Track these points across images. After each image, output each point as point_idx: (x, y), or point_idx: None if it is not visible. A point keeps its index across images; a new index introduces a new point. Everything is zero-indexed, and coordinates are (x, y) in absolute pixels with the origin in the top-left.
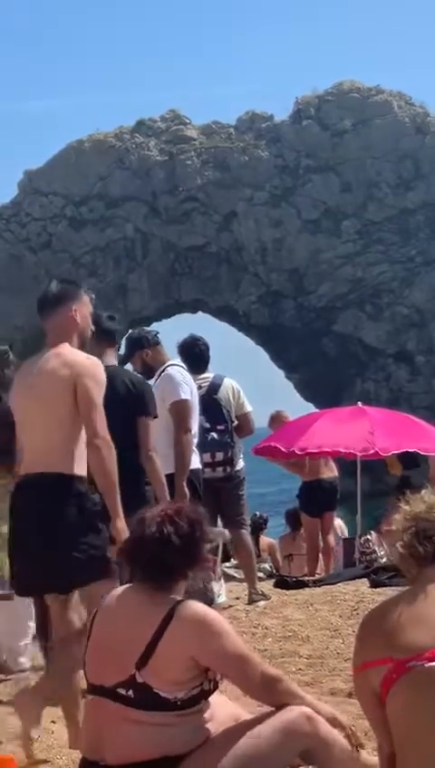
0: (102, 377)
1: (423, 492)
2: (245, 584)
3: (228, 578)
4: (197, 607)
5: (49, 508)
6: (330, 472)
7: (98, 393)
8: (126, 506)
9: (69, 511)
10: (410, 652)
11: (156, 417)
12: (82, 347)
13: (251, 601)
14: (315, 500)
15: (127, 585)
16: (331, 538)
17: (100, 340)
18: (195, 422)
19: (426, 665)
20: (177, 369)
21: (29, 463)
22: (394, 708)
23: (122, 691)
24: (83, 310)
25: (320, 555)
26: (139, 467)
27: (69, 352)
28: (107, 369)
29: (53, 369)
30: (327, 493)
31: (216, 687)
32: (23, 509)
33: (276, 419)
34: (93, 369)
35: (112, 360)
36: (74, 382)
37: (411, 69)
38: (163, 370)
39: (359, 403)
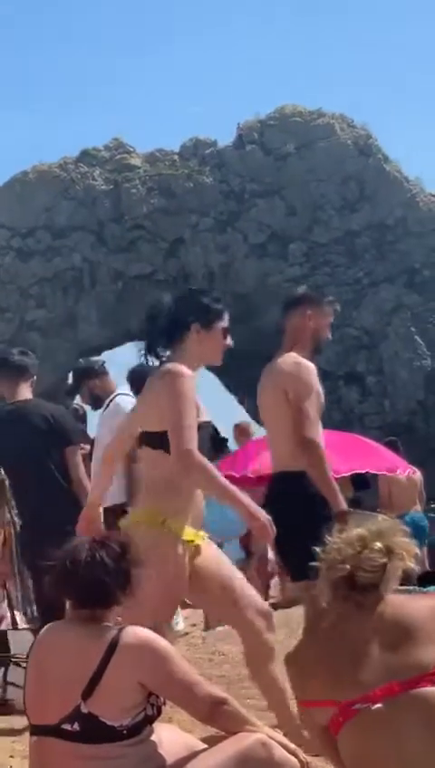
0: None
1: (359, 521)
2: (201, 610)
3: (185, 605)
4: (140, 632)
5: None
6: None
7: (305, 397)
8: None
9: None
10: (354, 694)
11: (84, 444)
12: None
13: (208, 627)
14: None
15: (59, 621)
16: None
17: (11, 375)
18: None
19: (373, 707)
20: (125, 398)
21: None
22: (345, 750)
23: (67, 726)
24: (320, 319)
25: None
26: (66, 499)
27: (285, 359)
28: (23, 403)
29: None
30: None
31: (159, 713)
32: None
33: (242, 430)
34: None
35: (27, 393)
36: (284, 389)
37: (352, 91)
38: (111, 400)
39: None
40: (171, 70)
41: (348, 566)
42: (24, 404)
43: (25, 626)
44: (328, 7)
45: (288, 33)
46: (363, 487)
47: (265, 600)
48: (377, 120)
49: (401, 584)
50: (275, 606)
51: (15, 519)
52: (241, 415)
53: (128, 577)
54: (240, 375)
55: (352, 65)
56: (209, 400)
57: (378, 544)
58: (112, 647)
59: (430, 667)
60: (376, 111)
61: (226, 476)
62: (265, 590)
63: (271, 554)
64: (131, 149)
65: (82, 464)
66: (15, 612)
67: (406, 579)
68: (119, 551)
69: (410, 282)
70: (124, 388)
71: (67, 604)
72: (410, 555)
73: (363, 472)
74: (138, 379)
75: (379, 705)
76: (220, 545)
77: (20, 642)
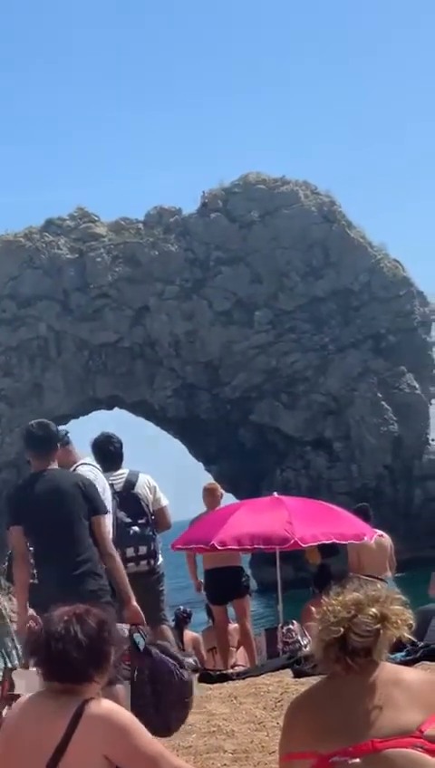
0: None
1: (348, 588)
2: None
3: None
4: (105, 704)
5: None
6: (230, 559)
7: None
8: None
9: None
10: (333, 747)
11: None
12: None
13: None
14: (217, 588)
15: (30, 695)
16: (247, 624)
17: (38, 446)
18: (109, 521)
19: (349, 761)
20: (88, 468)
21: None
22: None
23: None
24: None
25: (242, 645)
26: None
27: None
28: (52, 472)
29: None
30: (228, 579)
31: None
32: None
33: (210, 492)
34: None
35: (54, 464)
36: None
37: (315, 159)
38: (74, 470)
39: (275, 493)
40: (134, 139)
41: (341, 629)
42: (55, 472)
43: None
44: (291, 77)
45: (252, 101)
46: (331, 554)
47: (231, 667)
48: (340, 186)
49: (392, 652)
50: (242, 674)
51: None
52: (207, 478)
53: (101, 655)
54: (205, 441)
55: (316, 132)
56: (176, 466)
57: (373, 610)
58: (76, 718)
59: (413, 730)
60: (339, 178)
61: (195, 548)
62: (226, 658)
63: (233, 625)
64: (96, 218)
65: (110, 534)
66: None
67: (398, 646)
68: (95, 627)
69: (376, 347)
70: (90, 457)
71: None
72: (405, 624)
73: (329, 543)
74: (102, 447)
75: (356, 761)
76: (189, 615)
77: (31, 684)
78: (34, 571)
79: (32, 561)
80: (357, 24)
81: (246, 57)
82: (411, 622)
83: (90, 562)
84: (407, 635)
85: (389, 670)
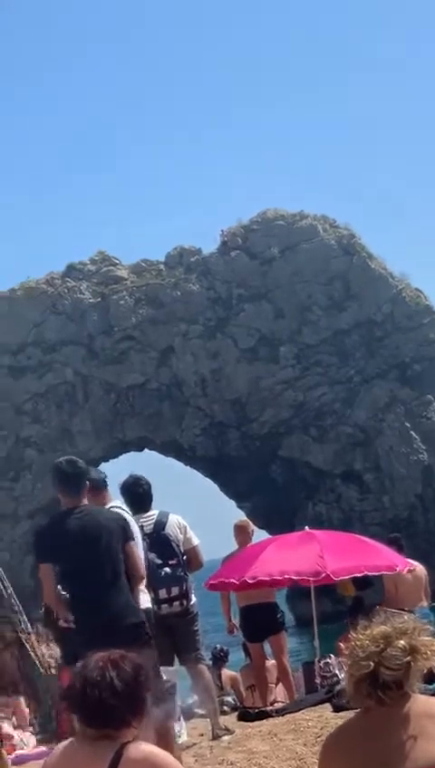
0: None
1: (375, 621)
2: (208, 720)
3: (190, 715)
4: (144, 747)
5: None
6: (264, 596)
7: None
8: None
9: None
10: None
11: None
12: None
13: (215, 737)
14: (253, 625)
15: (68, 740)
16: (285, 660)
17: (70, 484)
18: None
19: None
20: (118, 510)
21: None
22: None
23: None
24: None
25: (281, 681)
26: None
27: None
28: (88, 508)
29: None
30: (263, 616)
31: None
32: None
33: (241, 529)
34: None
35: (86, 500)
36: None
37: (333, 192)
38: None
39: (306, 527)
40: (151, 181)
41: (371, 663)
42: (90, 508)
43: (34, 743)
44: (307, 113)
45: (267, 138)
46: (366, 586)
47: (271, 704)
48: (359, 218)
49: (429, 682)
50: (281, 710)
51: (25, 634)
52: (239, 516)
53: (137, 701)
54: (236, 478)
55: (333, 167)
56: (207, 504)
57: (401, 642)
58: (115, 762)
59: None
60: (358, 210)
61: (225, 583)
62: (265, 695)
63: (271, 661)
64: (117, 261)
65: (141, 560)
66: (23, 732)
67: (430, 677)
68: (131, 673)
69: (402, 376)
70: (119, 500)
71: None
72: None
73: (360, 576)
74: (131, 490)
75: None
76: (226, 653)
77: None
78: (71, 617)
79: (66, 599)
80: (376, 55)
81: (258, 97)
82: None
83: (130, 598)
84: None
85: (422, 702)
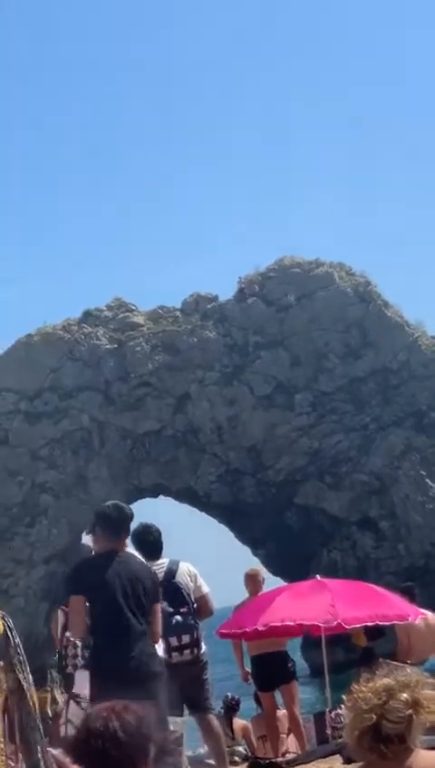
0: None
1: (378, 674)
2: None
3: (200, 765)
4: None
5: None
6: (275, 645)
7: None
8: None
9: None
10: None
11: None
12: None
13: None
14: (264, 674)
15: None
16: (296, 710)
17: (112, 529)
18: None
19: None
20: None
21: None
22: None
23: None
24: None
25: (292, 732)
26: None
27: None
28: (126, 555)
29: None
30: (274, 665)
31: None
32: None
33: (252, 577)
34: None
35: (125, 546)
36: None
37: (349, 239)
38: None
39: (317, 576)
40: (169, 228)
41: (374, 715)
42: (131, 557)
43: None
44: (319, 160)
45: (282, 185)
46: (378, 636)
47: (282, 755)
48: (375, 266)
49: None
50: (292, 762)
51: (27, 683)
52: (254, 563)
53: (141, 752)
54: (251, 525)
55: (348, 214)
56: (222, 552)
57: (404, 695)
58: None
59: None
60: (374, 258)
61: (240, 634)
62: (276, 746)
63: (282, 711)
64: (133, 308)
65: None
66: None
67: (432, 731)
68: (134, 724)
69: (418, 424)
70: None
71: None
72: None
73: (372, 625)
74: (141, 538)
75: None
76: (238, 702)
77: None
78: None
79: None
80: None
81: (270, 145)
82: None
83: (151, 646)
84: None
85: (424, 757)
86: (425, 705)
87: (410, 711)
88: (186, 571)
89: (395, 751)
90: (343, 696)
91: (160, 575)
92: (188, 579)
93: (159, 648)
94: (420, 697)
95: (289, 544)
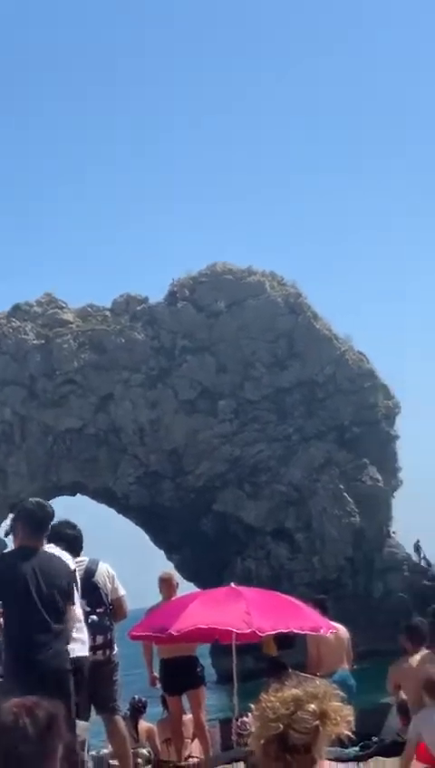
0: None
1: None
2: None
3: (104, 766)
4: None
5: None
6: (186, 649)
7: None
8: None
9: None
10: None
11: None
12: None
13: None
14: (173, 678)
15: None
16: (202, 715)
17: (33, 525)
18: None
19: None
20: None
21: None
22: None
23: None
24: None
25: (197, 737)
26: None
27: None
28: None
29: None
30: (183, 669)
31: None
32: None
33: (166, 581)
34: None
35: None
36: None
37: (282, 249)
38: None
39: (232, 584)
40: (103, 226)
41: (281, 725)
42: (49, 554)
43: None
44: (259, 166)
45: (219, 189)
46: (288, 646)
47: (185, 759)
48: (306, 277)
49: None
50: (196, 766)
51: None
52: (168, 567)
53: (49, 749)
54: (167, 529)
55: (283, 223)
56: (136, 554)
57: (312, 707)
58: None
59: None
60: (305, 269)
61: (152, 637)
62: (180, 750)
63: (188, 716)
64: (63, 305)
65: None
66: None
67: (337, 743)
68: (45, 721)
69: (340, 438)
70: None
71: None
72: (344, 720)
73: (287, 631)
74: (59, 536)
75: None
76: (144, 705)
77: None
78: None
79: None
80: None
81: (216, 150)
82: (351, 719)
83: (64, 644)
84: (346, 732)
85: None
86: (332, 717)
87: (317, 722)
88: (105, 572)
89: (300, 761)
90: (251, 705)
91: (80, 573)
92: (107, 579)
93: (77, 647)
94: (328, 709)
95: (204, 551)
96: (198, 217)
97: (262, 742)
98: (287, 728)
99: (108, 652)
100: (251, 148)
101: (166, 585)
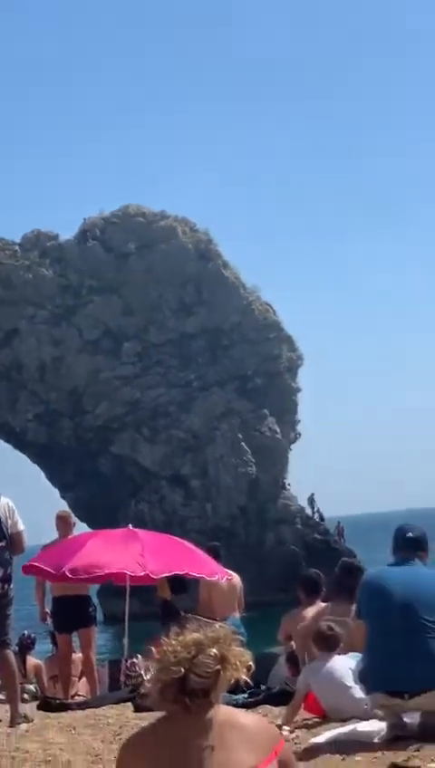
0: None
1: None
2: (7, 706)
3: None
4: None
5: None
6: (78, 588)
7: None
8: None
9: None
10: None
11: None
12: None
13: (13, 724)
14: (64, 616)
15: None
16: (91, 654)
17: None
18: None
19: None
20: None
21: None
22: None
23: None
24: None
25: (85, 675)
26: None
27: None
28: None
29: None
30: (75, 608)
31: None
32: None
33: (63, 519)
34: None
35: None
36: None
37: (195, 195)
38: None
39: (130, 525)
40: (16, 158)
41: (182, 669)
42: None
43: None
44: (186, 107)
45: (138, 127)
46: (181, 590)
47: (71, 697)
48: (218, 224)
49: (234, 693)
50: (83, 704)
51: None
52: (62, 505)
53: None
54: (63, 468)
55: (196, 168)
56: (31, 491)
57: (213, 651)
58: None
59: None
60: (218, 216)
61: (43, 570)
62: (67, 687)
63: (77, 654)
64: None
65: None
66: None
67: (235, 688)
68: None
69: (242, 388)
70: None
71: None
72: (244, 665)
73: (182, 574)
74: None
75: None
76: (33, 641)
77: None
78: None
79: None
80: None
81: (139, 88)
82: (251, 664)
83: None
84: (244, 677)
85: (224, 712)
86: (232, 662)
87: (217, 666)
88: (5, 506)
89: (199, 704)
90: (151, 648)
91: None
92: (7, 513)
93: None
94: (229, 654)
95: (98, 491)
96: (115, 158)
97: (161, 685)
98: (188, 672)
99: (6, 586)
100: (178, 84)
101: (63, 523)
